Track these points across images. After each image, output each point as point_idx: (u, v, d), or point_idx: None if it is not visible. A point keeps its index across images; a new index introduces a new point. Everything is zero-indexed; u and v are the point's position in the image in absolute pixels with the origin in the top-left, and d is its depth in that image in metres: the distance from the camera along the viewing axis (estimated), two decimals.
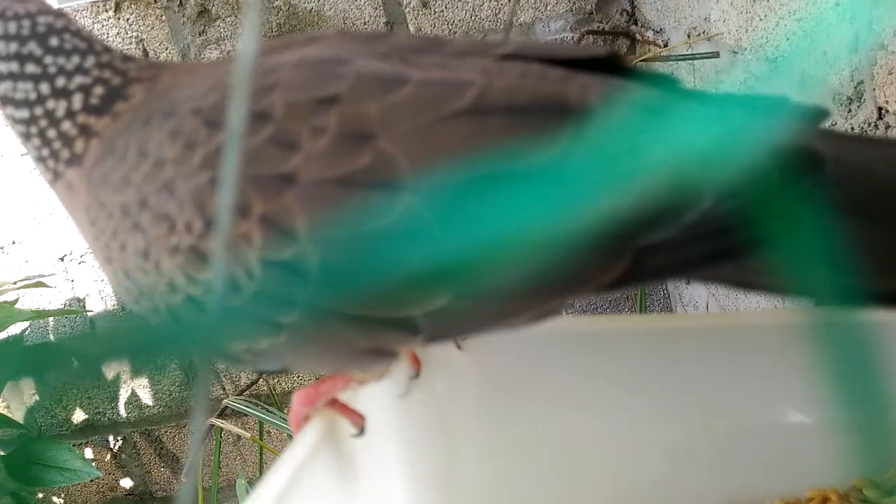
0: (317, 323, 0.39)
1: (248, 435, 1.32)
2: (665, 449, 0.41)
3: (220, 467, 1.42)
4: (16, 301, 1.30)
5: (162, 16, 1.31)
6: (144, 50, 1.33)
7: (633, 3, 1.31)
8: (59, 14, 0.48)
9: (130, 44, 1.32)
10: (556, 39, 1.33)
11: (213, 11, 1.31)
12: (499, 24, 1.32)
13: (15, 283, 1.30)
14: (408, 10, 1.33)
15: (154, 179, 0.41)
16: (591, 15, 1.32)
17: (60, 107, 0.46)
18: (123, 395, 1.55)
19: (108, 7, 1.30)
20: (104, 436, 1.60)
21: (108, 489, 1.62)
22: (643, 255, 0.36)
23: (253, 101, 0.39)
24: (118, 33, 1.32)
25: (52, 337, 1.52)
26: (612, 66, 0.41)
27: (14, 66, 0.46)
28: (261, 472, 1.44)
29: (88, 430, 1.58)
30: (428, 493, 0.45)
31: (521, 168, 0.36)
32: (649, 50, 1.19)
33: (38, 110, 0.46)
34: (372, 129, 0.38)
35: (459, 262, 0.36)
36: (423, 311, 0.38)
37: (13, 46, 0.46)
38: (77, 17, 1.31)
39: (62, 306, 1.48)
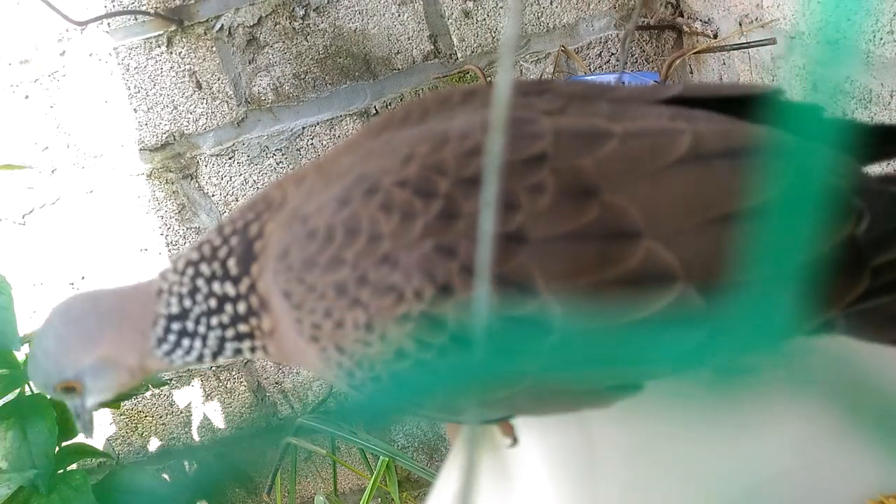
0: (560, 370, 0.40)
1: (323, 451, 1.34)
2: (794, 443, 0.41)
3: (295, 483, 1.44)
4: None
5: (212, 47, 1.34)
6: (198, 82, 1.36)
7: None
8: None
9: (183, 77, 1.36)
10: (601, 38, 1.33)
11: (261, 39, 1.34)
12: (542, 27, 1.33)
13: None
14: (450, 21, 1.34)
15: (371, 255, 0.41)
16: (634, 11, 1.31)
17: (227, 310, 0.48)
18: (196, 419, 1.58)
19: (160, 43, 1.34)
20: (180, 460, 1.63)
21: None
22: (878, 274, 0.39)
23: (461, 168, 0.41)
24: (171, 67, 1.35)
25: None
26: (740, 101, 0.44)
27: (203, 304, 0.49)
28: (335, 486, 1.46)
29: (164, 456, 1.62)
30: (571, 487, 0.46)
31: (761, 205, 0.38)
32: (698, 41, 1.18)
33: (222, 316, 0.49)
34: (592, 183, 0.39)
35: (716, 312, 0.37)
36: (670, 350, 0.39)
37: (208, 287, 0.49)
38: (131, 55, 1.35)
39: None
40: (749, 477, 0.42)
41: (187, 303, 0.48)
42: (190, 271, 0.49)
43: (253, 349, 0.49)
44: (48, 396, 0.55)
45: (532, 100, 0.44)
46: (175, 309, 0.49)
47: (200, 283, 0.48)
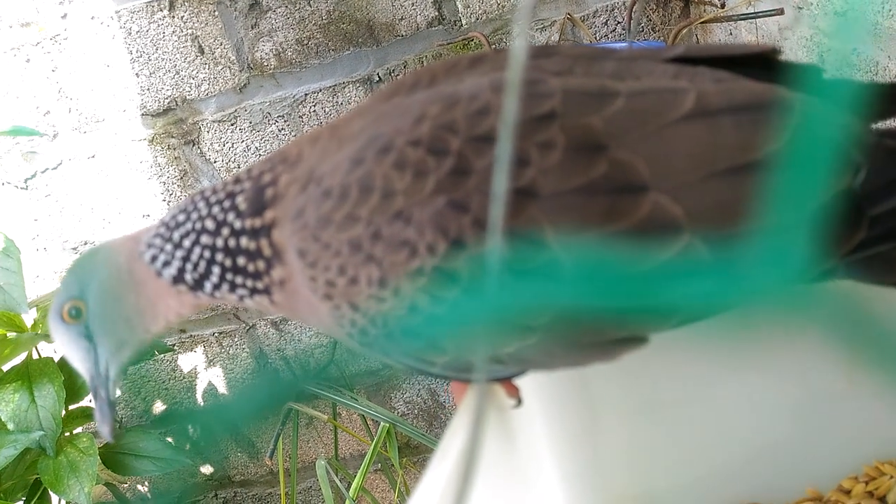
0: (570, 320, 0.41)
1: (325, 417, 1.36)
2: (793, 410, 0.42)
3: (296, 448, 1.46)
4: None
5: (215, 11, 1.33)
6: (200, 47, 1.35)
7: None
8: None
9: (186, 41, 1.35)
10: (607, 6, 1.32)
11: (263, 3, 1.33)
12: None
13: None
14: None
15: (385, 211, 0.42)
16: None
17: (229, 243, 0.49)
18: (199, 385, 1.60)
19: (162, 6, 1.33)
20: (184, 424, 1.65)
21: (188, 475, 1.68)
22: (875, 223, 0.40)
23: (472, 127, 0.42)
24: (173, 31, 1.34)
25: None
26: (762, 60, 0.45)
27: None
28: (336, 451, 1.48)
29: (168, 419, 1.64)
30: (572, 446, 0.47)
31: (766, 157, 0.38)
32: (705, 11, 1.18)
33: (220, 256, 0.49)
34: (600, 140, 0.40)
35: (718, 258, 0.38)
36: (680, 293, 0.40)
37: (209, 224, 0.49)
38: (133, 19, 1.34)
39: None
40: (748, 443, 0.43)
41: (181, 217, 0.50)
42: (197, 197, 0.51)
43: (254, 291, 0.49)
44: (54, 345, 0.57)
45: (541, 62, 0.45)
46: (168, 217, 0.51)
47: (201, 204, 0.49)
